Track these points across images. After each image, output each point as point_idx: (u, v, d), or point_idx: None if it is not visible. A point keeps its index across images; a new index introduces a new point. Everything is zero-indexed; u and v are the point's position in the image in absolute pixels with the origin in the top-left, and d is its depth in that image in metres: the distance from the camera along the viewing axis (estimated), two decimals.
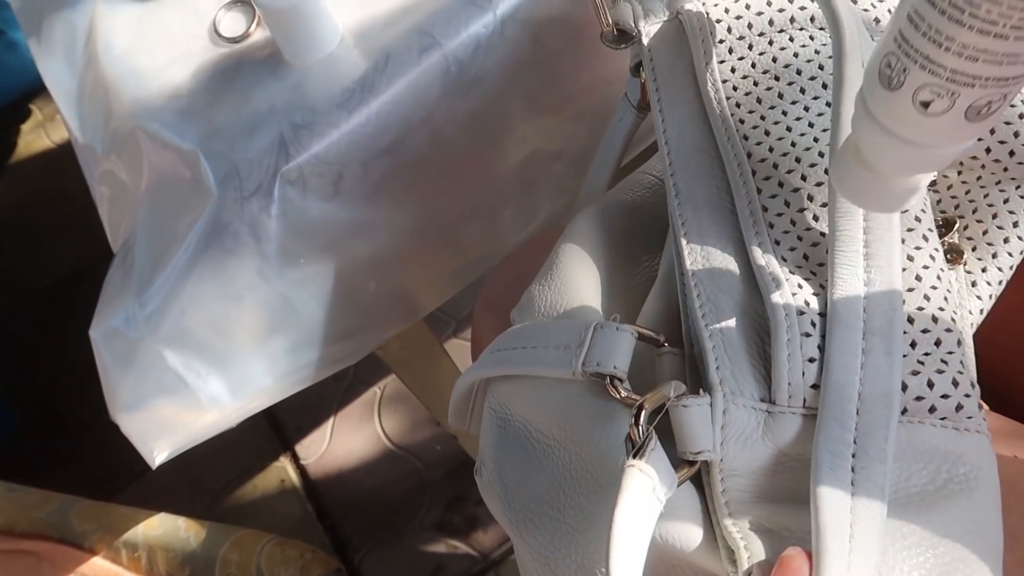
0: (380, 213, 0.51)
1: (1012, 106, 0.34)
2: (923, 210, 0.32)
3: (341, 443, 1.10)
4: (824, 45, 0.37)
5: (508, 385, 0.36)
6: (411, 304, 0.57)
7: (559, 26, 0.51)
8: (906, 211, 0.31)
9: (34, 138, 1.54)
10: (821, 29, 0.37)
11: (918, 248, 0.31)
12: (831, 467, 0.27)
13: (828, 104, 0.34)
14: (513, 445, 0.35)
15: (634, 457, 0.27)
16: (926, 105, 0.22)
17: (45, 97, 1.56)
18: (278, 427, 1.13)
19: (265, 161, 0.47)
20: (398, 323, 0.57)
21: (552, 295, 0.37)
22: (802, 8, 0.37)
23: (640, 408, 0.28)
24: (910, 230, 0.31)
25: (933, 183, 0.36)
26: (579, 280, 0.37)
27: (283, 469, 1.10)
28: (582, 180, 0.54)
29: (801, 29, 0.37)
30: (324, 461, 1.09)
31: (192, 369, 0.50)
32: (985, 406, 0.38)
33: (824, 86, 0.35)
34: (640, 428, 0.28)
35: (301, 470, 1.10)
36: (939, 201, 0.36)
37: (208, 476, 1.11)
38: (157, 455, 0.51)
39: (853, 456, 0.27)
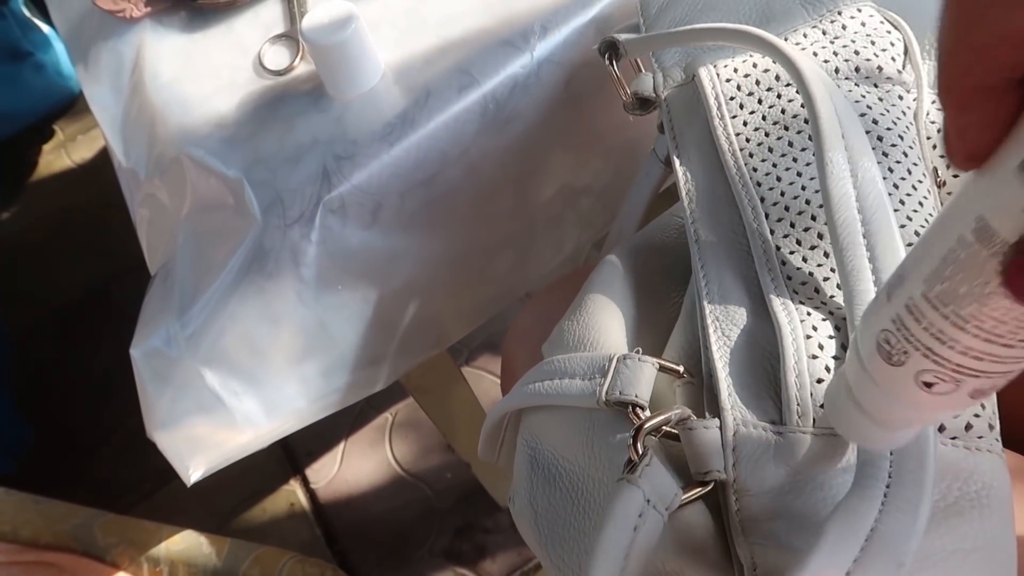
0: (415, 242, 0.53)
1: None
2: None
3: (351, 468, 1.10)
4: None
5: (539, 416, 0.38)
6: (439, 332, 0.58)
7: (590, 69, 0.53)
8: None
9: (54, 158, 1.56)
10: None
11: None
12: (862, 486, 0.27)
13: None
14: (543, 474, 0.37)
15: (628, 472, 0.29)
16: (929, 385, 0.22)
17: (68, 118, 1.58)
18: (289, 450, 1.14)
19: (308, 190, 0.49)
20: (426, 351, 0.58)
21: (580, 329, 0.39)
22: None
23: (639, 430, 0.30)
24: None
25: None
26: (607, 315, 0.39)
27: (293, 492, 1.11)
28: (608, 216, 0.56)
29: None
30: (334, 485, 1.10)
31: (229, 389, 0.51)
32: None
33: None
34: (638, 447, 0.30)
35: (311, 494, 1.10)
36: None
37: (218, 498, 1.12)
38: (192, 472, 0.53)
39: (889, 477, 0.27)
